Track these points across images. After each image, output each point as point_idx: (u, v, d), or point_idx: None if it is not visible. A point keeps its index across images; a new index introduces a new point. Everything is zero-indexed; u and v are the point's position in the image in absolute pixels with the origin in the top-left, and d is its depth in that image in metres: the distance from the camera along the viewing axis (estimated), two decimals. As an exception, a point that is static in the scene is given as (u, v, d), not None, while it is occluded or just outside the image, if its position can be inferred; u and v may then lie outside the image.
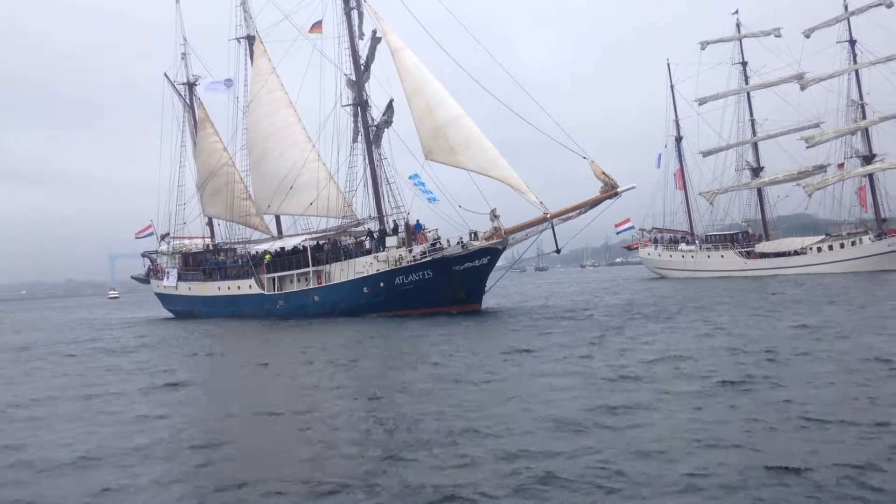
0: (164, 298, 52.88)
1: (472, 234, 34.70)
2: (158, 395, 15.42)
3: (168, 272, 51.23)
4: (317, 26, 40.24)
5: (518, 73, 34.68)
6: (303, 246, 41.10)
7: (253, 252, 44.65)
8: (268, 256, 42.74)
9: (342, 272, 38.37)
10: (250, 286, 43.66)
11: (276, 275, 42.06)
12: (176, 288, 50.40)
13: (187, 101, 53.94)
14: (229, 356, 24.35)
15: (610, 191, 31.93)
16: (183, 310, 49.96)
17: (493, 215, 34.00)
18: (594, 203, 32.53)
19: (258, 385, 16.94)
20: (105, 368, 21.27)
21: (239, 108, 47.83)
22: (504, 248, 35.17)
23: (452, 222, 35.65)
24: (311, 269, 39.93)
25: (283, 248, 42.46)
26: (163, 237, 53.60)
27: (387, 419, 11.30)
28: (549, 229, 33.41)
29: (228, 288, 45.70)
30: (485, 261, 34.65)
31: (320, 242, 41.19)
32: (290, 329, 33.09)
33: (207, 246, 52.33)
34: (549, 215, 32.77)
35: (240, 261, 46.35)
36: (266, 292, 42.47)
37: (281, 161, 42.62)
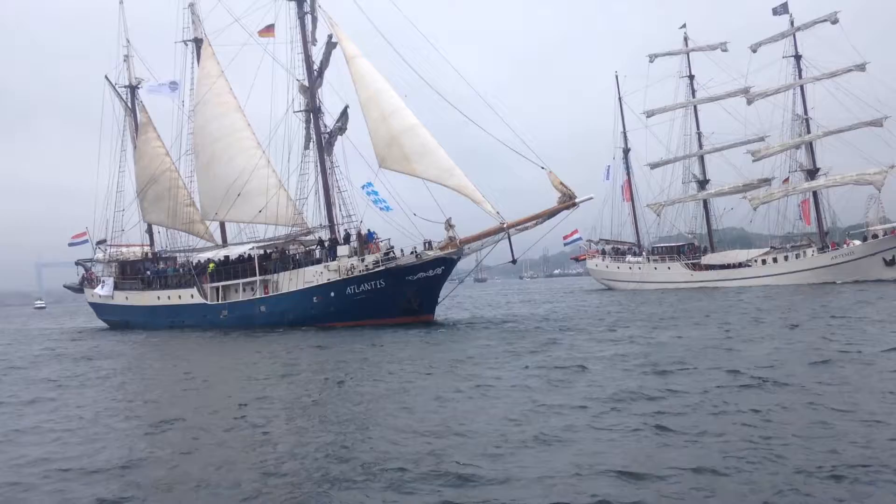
0: (99, 308, 50.61)
1: (427, 244, 34.11)
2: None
3: (103, 281, 49.04)
4: (268, 30, 39.07)
5: (449, 86, 34.15)
6: (249, 255, 39.77)
7: (195, 261, 42.97)
8: (211, 265, 41.18)
9: (290, 281, 37.22)
10: (192, 296, 41.99)
11: (219, 284, 40.55)
12: (112, 297, 48.22)
13: (129, 104, 51.85)
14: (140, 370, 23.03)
15: (568, 201, 31.57)
16: (119, 320, 47.84)
17: (448, 225, 33.40)
18: (552, 213, 32.17)
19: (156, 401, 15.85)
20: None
21: (184, 112, 46.28)
22: (459, 259, 34.57)
23: (406, 232, 35.08)
24: (257, 278, 38.62)
25: (227, 257, 41.05)
26: (98, 244, 51.28)
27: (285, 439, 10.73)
28: (504, 239, 32.92)
29: (168, 297, 43.88)
30: (439, 271, 34.04)
31: (268, 251, 39.89)
32: (227, 341, 31.74)
33: (146, 254, 50.29)
34: (506, 225, 32.25)
35: (181, 269, 44.61)
36: (209, 302, 40.89)
37: (229, 166, 41.22)
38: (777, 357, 16.24)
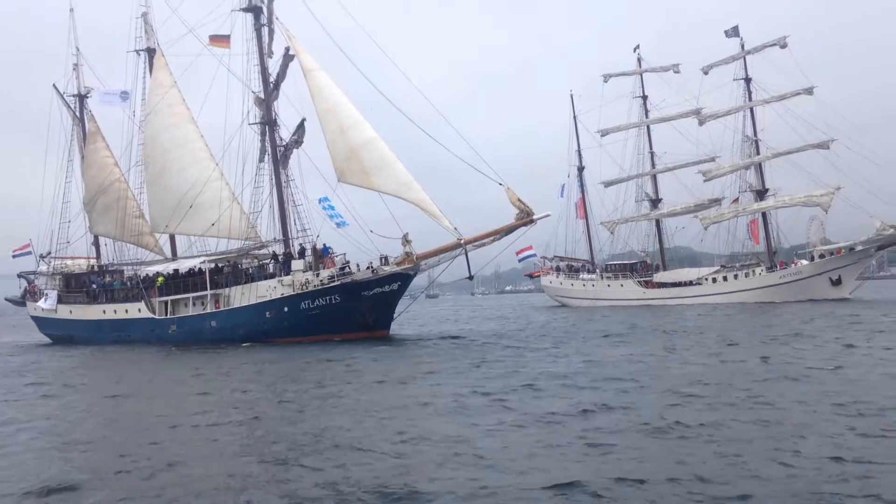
0: (42, 322, 48.85)
1: (383, 259, 33.79)
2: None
3: (47, 294, 47.41)
4: (223, 40, 38.34)
5: (408, 101, 33.96)
6: (199, 268, 38.89)
7: (144, 274, 41.82)
8: (160, 279, 40.13)
9: (243, 296, 36.52)
10: (139, 310, 40.83)
11: (168, 298, 39.54)
12: (55, 311, 46.61)
13: (77, 113, 50.43)
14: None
15: (525, 218, 31.61)
16: (62, 335, 46.23)
17: (405, 240, 33.20)
18: (509, 230, 32.17)
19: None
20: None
21: (135, 122, 45.14)
22: (415, 274, 34.40)
23: (362, 247, 34.71)
24: (208, 292, 37.75)
25: (177, 270, 40.07)
26: (42, 257, 49.59)
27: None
28: (461, 255, 32.78)
29: (115, 311, 42.60)
30: (395, 286, 33.80)
31: (219, 265, 39.05)
32: (172, 357, 30.78)
33: (92, 267, 48.81)
34: (463, 241, 32.11)
35: (129, 283, 43.39)
36: (157, 316, 39.81)
37: (181, 178, 40.27)
38: (712, 374, 16.46)
